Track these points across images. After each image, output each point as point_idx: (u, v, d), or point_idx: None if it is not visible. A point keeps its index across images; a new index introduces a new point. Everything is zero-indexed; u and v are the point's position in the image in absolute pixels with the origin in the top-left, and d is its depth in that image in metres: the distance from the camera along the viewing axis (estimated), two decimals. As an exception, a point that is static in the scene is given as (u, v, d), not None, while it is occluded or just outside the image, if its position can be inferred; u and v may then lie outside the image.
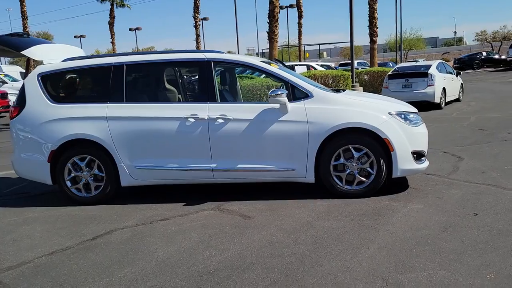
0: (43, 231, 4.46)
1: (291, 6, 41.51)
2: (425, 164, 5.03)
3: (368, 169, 4.87)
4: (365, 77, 18.72)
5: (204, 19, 41.76)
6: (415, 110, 5.28)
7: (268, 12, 17.92)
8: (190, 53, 5.45)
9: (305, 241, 3.78)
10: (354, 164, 4.88)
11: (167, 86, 5.50)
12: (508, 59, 34.50)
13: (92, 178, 5.27)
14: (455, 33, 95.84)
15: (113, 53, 5.55)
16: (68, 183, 5.28)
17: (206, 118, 4.95)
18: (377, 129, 4.75)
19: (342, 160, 4.89)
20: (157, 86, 5.56)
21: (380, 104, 5.17)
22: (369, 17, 21.13)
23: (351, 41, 14.86)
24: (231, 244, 3.82)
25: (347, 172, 4.91)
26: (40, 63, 5.61)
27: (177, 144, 5.05)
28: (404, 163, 4.83)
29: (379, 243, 3.65)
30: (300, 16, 35.08)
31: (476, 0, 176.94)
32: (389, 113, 4.90)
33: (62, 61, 5.55)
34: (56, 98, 5.35)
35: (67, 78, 5.50)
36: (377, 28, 20.42)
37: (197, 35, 39.88)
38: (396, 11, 62.48)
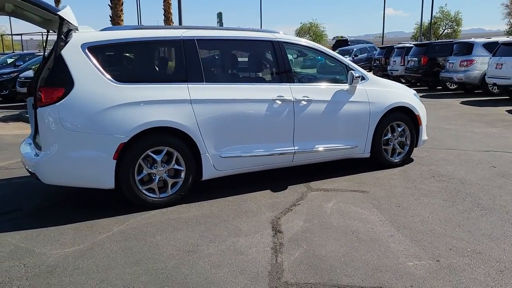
0: (194, 237, 3.59)
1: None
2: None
3: (405, 141, 5.79)
4: None
5: None
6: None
7: (109, -6, 15.61)
8: (259, 32, 5.07)
9: (458, 199, 4.44)
10: (395, 138, 5.71)
11: (243, 65, 4.99)
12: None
13: (167, 174, 4.36)
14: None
15: (170, 25, 4.62)
16: (139, 184, 4.22)
17: (292, 100, 4.85)
18: (413, 107, 5.72)
19: (389, 135, 5.64)
20: (234, 65, 4.95)
21: (404, 86, 6.14)
22: (164, 11, 21.12)
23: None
24: (418, 211, 4.13)
25: (391, 145, 5.71)
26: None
27: (263, 127, 4.75)
28: (423, 134, 5.96)
29: (500, 192, 4.64)
30: None
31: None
32: (413, 94, 5.95)
33: (101, 30, 4.31)
34: (117, 76, 4.11)
35: (126, 52, 4.27)
36: (173, 23, 20.65)
37: None
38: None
